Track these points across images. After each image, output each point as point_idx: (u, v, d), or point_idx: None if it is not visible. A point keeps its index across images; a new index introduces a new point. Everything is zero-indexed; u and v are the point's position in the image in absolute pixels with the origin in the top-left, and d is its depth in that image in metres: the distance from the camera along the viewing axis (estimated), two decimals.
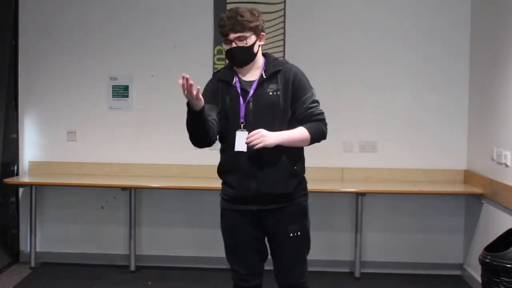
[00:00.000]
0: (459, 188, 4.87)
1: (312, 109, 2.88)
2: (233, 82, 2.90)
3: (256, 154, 2.81)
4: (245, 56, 2.86)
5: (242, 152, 2.84)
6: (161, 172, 5.15)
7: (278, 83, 2.87)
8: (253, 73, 2.91)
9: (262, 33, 2.89)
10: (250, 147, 2.77)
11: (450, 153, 5.05)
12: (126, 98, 5.18)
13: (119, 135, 5.20)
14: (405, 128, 5.08)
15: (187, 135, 5.35)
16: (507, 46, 4.19)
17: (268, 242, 3.02)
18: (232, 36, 2.81)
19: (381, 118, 5.07)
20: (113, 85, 5.18)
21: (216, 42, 5.10)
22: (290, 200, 2.92)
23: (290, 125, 2.87)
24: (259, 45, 2.89)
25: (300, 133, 2.84)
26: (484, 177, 4.58)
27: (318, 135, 2.89)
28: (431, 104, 5.05)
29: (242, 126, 2.85)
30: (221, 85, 2.92)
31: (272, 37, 4.95)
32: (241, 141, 2.82)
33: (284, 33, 4.99)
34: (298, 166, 2.95)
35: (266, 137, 2.74)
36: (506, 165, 4.15)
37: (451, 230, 5.05)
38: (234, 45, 2.82)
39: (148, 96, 5.19)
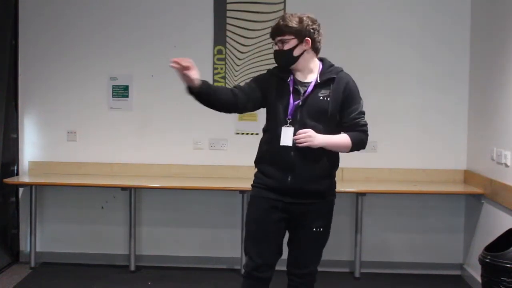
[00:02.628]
0: (459, 188, 4.87)
1: (358, 120, 3.08)
2: (288, 80, 3.07)
3: (299, 150, 2.98)
4: (283, 59, 3.06)
5: (286, 146, 2.99)
6: (161, 172, 5.15)
7: (331, 89, 3.04)
8: (308, 76, 3.08)
9: (307, 38, 3.04)
10: (295, 144, 2.96)
11: (450, 153, 5.05)
12: (126, 98, 5.18)
13: (119, 135, 5.20)
14: (405, 128, 5.08)
15: (187, 135, 5.40)
16: (507, 46, 4.19)
17: (290, 233, 3.16)
18: (275, 39, 3.07)
19: (381, 118, 5.06)
20: (113, 85, 5.18)
21: (216, 42, 5.09)
22: (321, 198, 3.09)
23: (335, 130, 3.05)
24: (303, 50, 3.04)
25: (343, 140, 3.05)
26: (484, 177, 4.57)
27: (358, 145, 3.09)
28: (431, 104, 5.05)
29: (288, 122, 3.01)
30: (274, 79, 3.10)
31: None
32: (287, 136, 2.99)
33: None
34: (334, 169, 3.14)
35: (312, 138, 2.94)
36: (506, 165, 4.15)
37: (451, 230, 5.05)
38: (276, 47, 3.08)
39: (148, 96, 5.19)
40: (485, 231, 4.49)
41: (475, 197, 4.71)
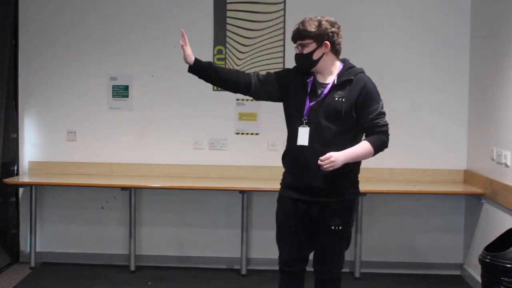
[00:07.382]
0: (459, 188, 4.87)
1: (377, 120, 3.08)
2: (308, 80, 3.15)
3: (315, 151, 3.05)
4: (303, 62, 3.15)
5: (302, 146, 3.09)
6: (161, 172, 5.15)
7: (347, 91, 3.08)
8: (328, 77, 3.15)
9: (326, 42, 3.11)
10: (310, 143, 3.06)
11: (450, 153, 5.05)
12: (126, 98, 5.18)
13: (119, 135, 5.20)
14: (405, 128, 5.07)
15: (187, 135, 5.40)
16: (507, 46, 4.19)
17: (312, 231, 3.22)
18: (296, 43, 3.16)
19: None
20: (113, 85, 5.18)
21: (216, 42, 5.09)
22: (337, 196, 3.14)
23: (350, 131, 3.10)
24: (323, 53, 3.11)
25: (364, 148, 3.08)
26: (484, 177, 4.57)
27: (380, 147, 3.12)
28: (431, 104, 5.05)
29: (304, 122, 3.10)
30: (295, 78, 3.19)
31: (272, 37, 4.95)
32: (303, 136, 3.08)
33: (284, 33, 4.96)
34: (353, 169, 3.17)
35: (335, 160, 2.98)
36: (506, 165, 4.15)
37: (451, 230, 5.05)
38: (297, 51, 3.16)
39: (148, 96, 5.19)
40: (485, 231, 4.49)
41: (475, 197, 4.71)
